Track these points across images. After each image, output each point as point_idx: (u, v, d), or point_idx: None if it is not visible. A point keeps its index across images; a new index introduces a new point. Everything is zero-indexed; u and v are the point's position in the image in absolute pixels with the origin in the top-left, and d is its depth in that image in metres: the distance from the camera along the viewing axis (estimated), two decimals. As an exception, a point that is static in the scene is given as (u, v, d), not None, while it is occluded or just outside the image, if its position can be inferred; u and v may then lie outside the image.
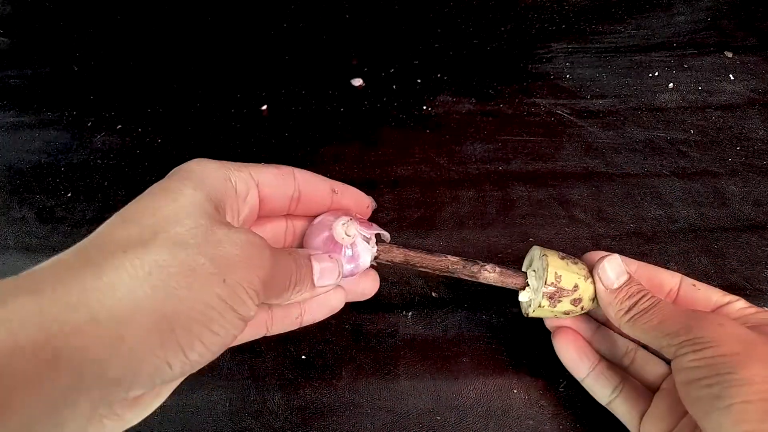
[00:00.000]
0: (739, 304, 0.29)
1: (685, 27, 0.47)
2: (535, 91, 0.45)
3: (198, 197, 0.22)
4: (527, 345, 0.35)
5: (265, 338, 0.28)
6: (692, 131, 0.43)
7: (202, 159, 0.24)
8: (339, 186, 0.29)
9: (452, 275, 0.31)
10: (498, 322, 0.36)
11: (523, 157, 0.42)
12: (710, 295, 0.30)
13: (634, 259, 0.32)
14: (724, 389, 0.22)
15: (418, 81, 0.47)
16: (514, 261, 0.39)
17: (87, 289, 0.18)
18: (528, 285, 0.32)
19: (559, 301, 0.30)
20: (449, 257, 0.31)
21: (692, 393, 0.24)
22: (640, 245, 0.39)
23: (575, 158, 0.42)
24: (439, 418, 0.34)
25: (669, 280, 0.32)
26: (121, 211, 0.21)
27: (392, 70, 0.47)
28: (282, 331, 0.28)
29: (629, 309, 0.28)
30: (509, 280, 0.31)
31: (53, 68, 0.48)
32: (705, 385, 0.23)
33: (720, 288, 0.30)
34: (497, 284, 0.32)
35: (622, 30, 0.47)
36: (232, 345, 0.22)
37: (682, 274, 0.31)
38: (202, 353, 0.20)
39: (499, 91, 0.45)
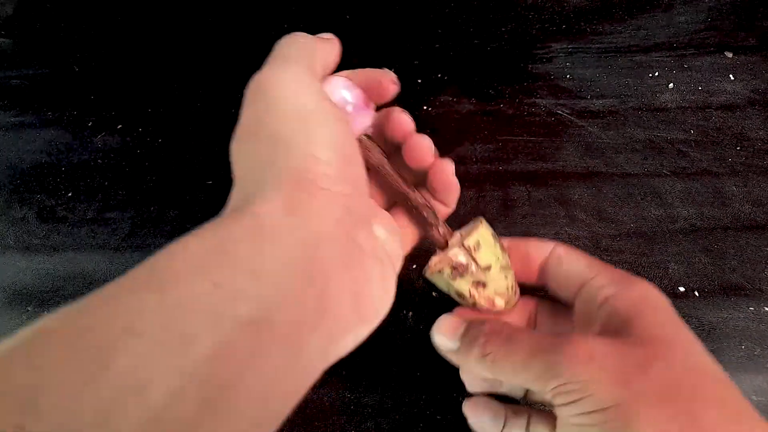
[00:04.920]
0: (598, 281, 0.26)
1: (685, 27, 0.47)
2: (536, 91, 0.45)
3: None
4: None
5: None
6: (692, 131, 0.43)
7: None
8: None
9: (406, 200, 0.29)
10: (498, 322, 0.36)
11: (523, 157, 0.42)
12: (573, 271, 0.28)
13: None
14: None
15: (418, 81, 0.47)
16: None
17: None
18: (448, 246, 0.29)
19: (461, 277, 0.28)
20: (414, 193, 0.28)
21: None
22: (640, 245, 0.39)
23: (575, 158, 0.42)
24: (439, 417, 0.34)
25: (536, 252, 0.29)
26: None
27: (392, 70, 0.47)
28: None
29: (483, 355, 0.24)
30: (439, 231, 0.29)
31: (54, 68, 0.48)
32: None
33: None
34: (426, 227, 0.29)
35: (622, 30, 0.47)
36: None
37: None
38: None
39: (500, 91, 0.45)
